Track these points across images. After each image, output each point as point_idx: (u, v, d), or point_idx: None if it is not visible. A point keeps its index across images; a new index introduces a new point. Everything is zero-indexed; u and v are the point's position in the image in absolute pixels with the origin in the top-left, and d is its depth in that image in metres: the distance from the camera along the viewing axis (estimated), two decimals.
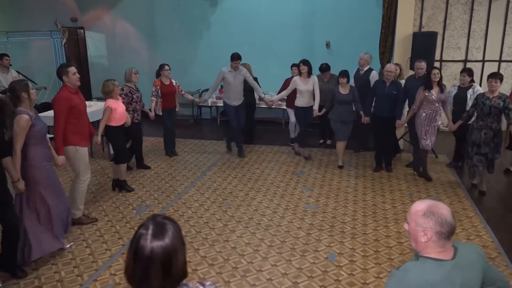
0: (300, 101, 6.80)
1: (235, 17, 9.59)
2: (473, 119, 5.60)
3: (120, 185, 5.71)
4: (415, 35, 7.03)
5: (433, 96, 5.65)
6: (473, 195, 5.55)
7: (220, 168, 6.69)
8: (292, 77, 7.47)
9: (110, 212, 5.09)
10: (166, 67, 6.79)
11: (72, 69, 4.34)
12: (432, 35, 7.01)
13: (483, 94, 5.37)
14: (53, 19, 10.44)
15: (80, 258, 4.05)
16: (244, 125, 7.27)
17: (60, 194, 4.10)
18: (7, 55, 7.51)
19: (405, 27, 7.18)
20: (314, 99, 6.75)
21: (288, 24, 9.32)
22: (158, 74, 6.91)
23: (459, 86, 6.29)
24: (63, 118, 4.26)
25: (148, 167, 6.64)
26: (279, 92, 7.46)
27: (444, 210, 1.71)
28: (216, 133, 9.05)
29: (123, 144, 5.71)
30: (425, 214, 1.71)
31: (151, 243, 1.35)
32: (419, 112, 5.82)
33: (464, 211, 5.05)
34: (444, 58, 8.65)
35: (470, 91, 6.09)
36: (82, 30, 10.83)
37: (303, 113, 6.85)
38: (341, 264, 3.92)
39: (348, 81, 6.33)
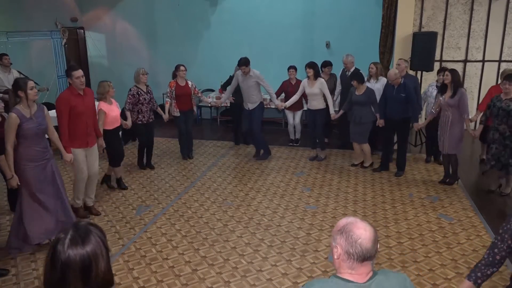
0: (308, 104, 6.85)
1: (235, 17, 9.59)
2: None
3: (108, 181, 5.86)
4: (415, 35, 7.03)
5: (443, 101, 5.53)
6: (473, 195, 5.55)
7: (220, 168, 6.69)
8: (289, 79, 7.53)
9: (110, 212, 5.09)
10: (182, 68, 6.65)
11: (76, 73, 4.40)
12: (432, 35, 7.01)
13: (498, 96, 5.21)
14: (53, 19, 10.42)
15: None
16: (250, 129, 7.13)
17: (52, 194, 4.11)
18: (6, 55, 7.51)
19: (405, 27, 7.18)
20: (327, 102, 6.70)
21: (288, 24, 9.31)
22: (174, 75, 6.82)
23: (437, 86, 6.24)
24: (65, 118, 4.39)
25: (152, 167, 6.65)
26: (276, 94, 7.47)
27: (360, 230, 1.59)
28: (216, 133, 9.05)
29: (117, 148, 5.64)
30: (340, 230, 1.62)
31: (68, 249, 1.31)
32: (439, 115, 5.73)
33: (464, 211, 5.04)
34: (444, 58, 8.65)
35: None
36: (82, 30, 10.82)
37: (310, 116, 6.83)
38: None
39: (362, 83, 6.26)
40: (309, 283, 1.65)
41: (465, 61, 8.58)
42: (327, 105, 6.69)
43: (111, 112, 5.39)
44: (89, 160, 4.80)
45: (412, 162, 6.82)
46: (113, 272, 3.91)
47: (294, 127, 7.82)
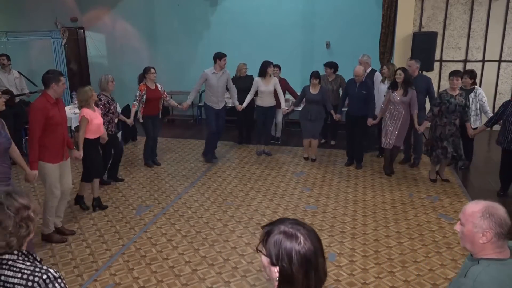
0: (260, 101, 7.03)
1: (235, 17, 9.59)
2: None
3: (81, 201, 5.21)
4: (415, 35, 7.03)
5: (396, 98, 5.87)
6: (473, 195, 5.54)
7: (220, 168, 6.69)
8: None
9: (110, 212, 5.09)
10: (152, 70, 6.28)
11: (63, 79, 4.10)
12: (432, 35, 7.02)
13: (446, 93, 5.54)
14: (53, 19, 10.43)
15: (80, 258, 4.05)
16: (222, 129, 7.04)
17: None
18: (2, 54, 7.49)
19: (405, 27, 7.19)
20: (279, 99, 7.05)
21: (288, 24, 9.31)
22: (141, 78, 6.49)
23: (461, 88, 6.26)
24: (39, 129, 3.94)
25: (121, 180, 6.09)
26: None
27: (501, 210, 1.70)
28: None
29: (97, 159, 5.13)
30: (483, 215, 1.68)
31: (306, 242, 1.33)
32: (386, 111, 6.07)
33: None
34: (444, 58, 8.65)
35: (472, 94, 6.07)
36: (82, 30, 10.82)
37: (263, 112, 7.07)
38: (341, 264, 3.92)
39: (319, 83, 6.60)
40: (471, 274, 1.68)
41: (465, 61, 8.58)
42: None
43: (95, 119, 4.92)
44: (62, 174, 4.31)
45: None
46: (113, 272, 3.92)
47: (276, 125, 7.93)
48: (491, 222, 1.67)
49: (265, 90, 6.89)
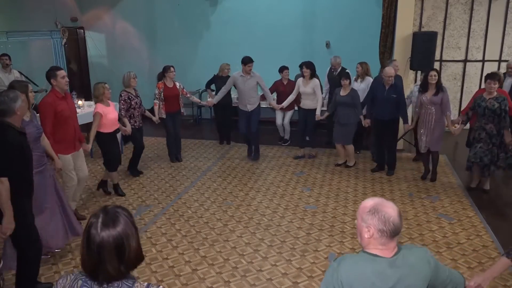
0: (301, 103, 6.88)
1: (235, 17, 9.59)
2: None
3: (104, 187, 5.62)
4: (415, 35, 7.02)
5: (425, 98, 5.65)
6: (473, 195, 5.55)
7: (220, 168, 6.69)
8: (281, 79, 7.68)
9: None
10: (172, 69, 6.51)
11: (61, 73, 4.25)
12: (432, 35, 7.01)
13: (481, 96, 5.29)
14: (53, 19, 10.42)
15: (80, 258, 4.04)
16: (255, 131, 6.92)
17: (53, 201, 3.87)
18: (4, 55, 7.49)
19: (405, 27, 7.17)
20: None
21: (288, 24, 9.31)
22: (161, 77, 6.68)
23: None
24: (50, 122, 4.21)
25: (140, 172, 6.39)
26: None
27: (390, 209, 1.73)
28: (216, 133, 9.03)
29: (114, 151, 5.47)
30: (371, 211, 1.74)
31: (101, 232, 1.42)
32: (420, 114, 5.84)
33: (464, 211, 5.04)
34: (444, 58, 8.65)
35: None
36: (82, 30, 10.82)
37: (302, 114, 6.89)
38: None
39: (350, 83, 6.35)
40: (340, 259, 1.79)
41: (465, 61, 8.58)
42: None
43: (109, 114, 5.22)
44: (77, 163, 4.62)
45: (412, 162, 6.82)
46: None
47: (284, 127, 7.87)
48: (374, 219, 1.71)
49: (303, 92, 6.72)
